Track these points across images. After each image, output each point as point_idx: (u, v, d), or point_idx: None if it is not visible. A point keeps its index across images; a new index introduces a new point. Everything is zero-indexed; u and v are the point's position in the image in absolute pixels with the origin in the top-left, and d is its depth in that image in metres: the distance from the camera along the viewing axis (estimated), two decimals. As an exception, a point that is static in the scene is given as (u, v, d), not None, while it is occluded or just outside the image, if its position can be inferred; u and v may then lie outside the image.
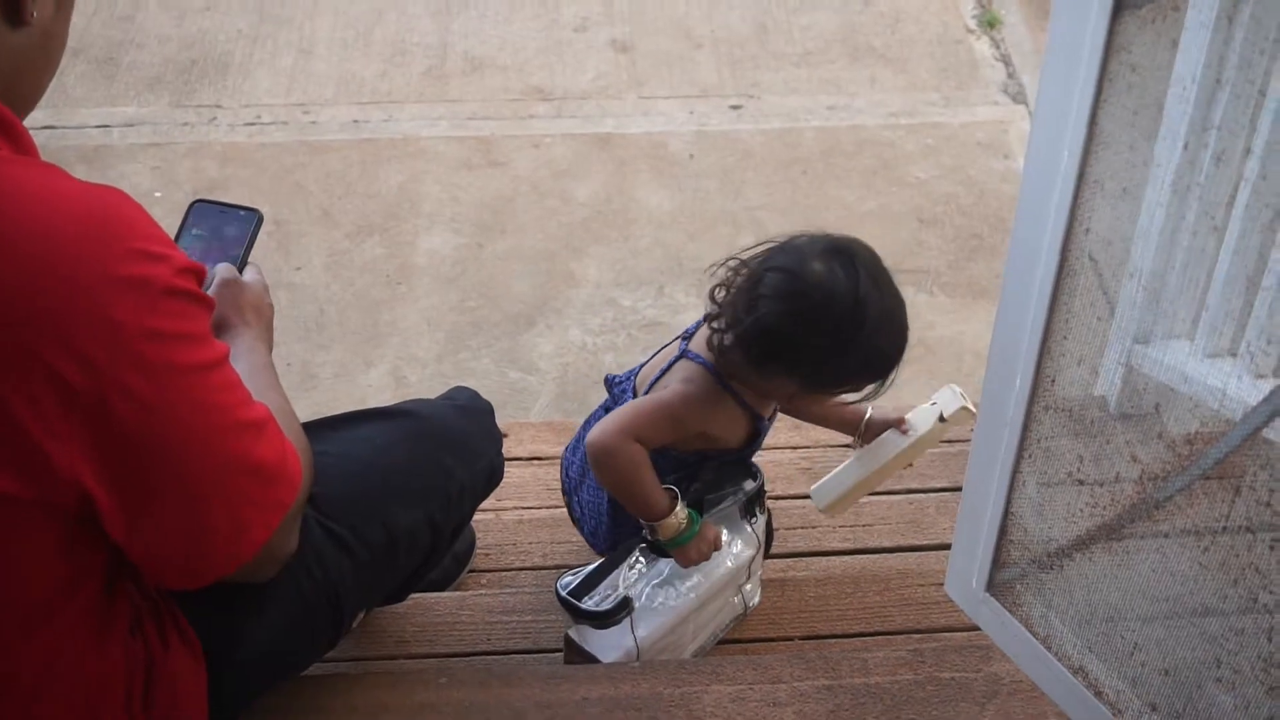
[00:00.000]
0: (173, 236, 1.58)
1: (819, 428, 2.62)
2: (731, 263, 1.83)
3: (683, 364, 1.91)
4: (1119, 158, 1.19)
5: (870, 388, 1.84)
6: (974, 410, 2.00)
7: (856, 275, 1.75)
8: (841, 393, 1.86)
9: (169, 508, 1.23)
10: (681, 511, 1.88)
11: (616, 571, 1.92)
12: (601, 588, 1.90)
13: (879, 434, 2.06)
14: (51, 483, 1.16)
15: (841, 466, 2.10)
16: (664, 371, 1.94)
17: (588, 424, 2.11)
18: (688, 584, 1.95)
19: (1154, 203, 1.29)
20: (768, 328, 1.74)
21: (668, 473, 1.92)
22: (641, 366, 2.03)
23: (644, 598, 1.91)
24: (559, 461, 2.60)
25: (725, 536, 1.97)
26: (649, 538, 1.91)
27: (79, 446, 1.15)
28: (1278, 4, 1.19)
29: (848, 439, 2.63)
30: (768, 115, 4.42)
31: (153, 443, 1.19)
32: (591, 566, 1.92)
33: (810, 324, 1.73)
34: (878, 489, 2.21)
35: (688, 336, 1.96)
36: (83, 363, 1.13)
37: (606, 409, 2.04)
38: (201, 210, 1.68)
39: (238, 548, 1.29)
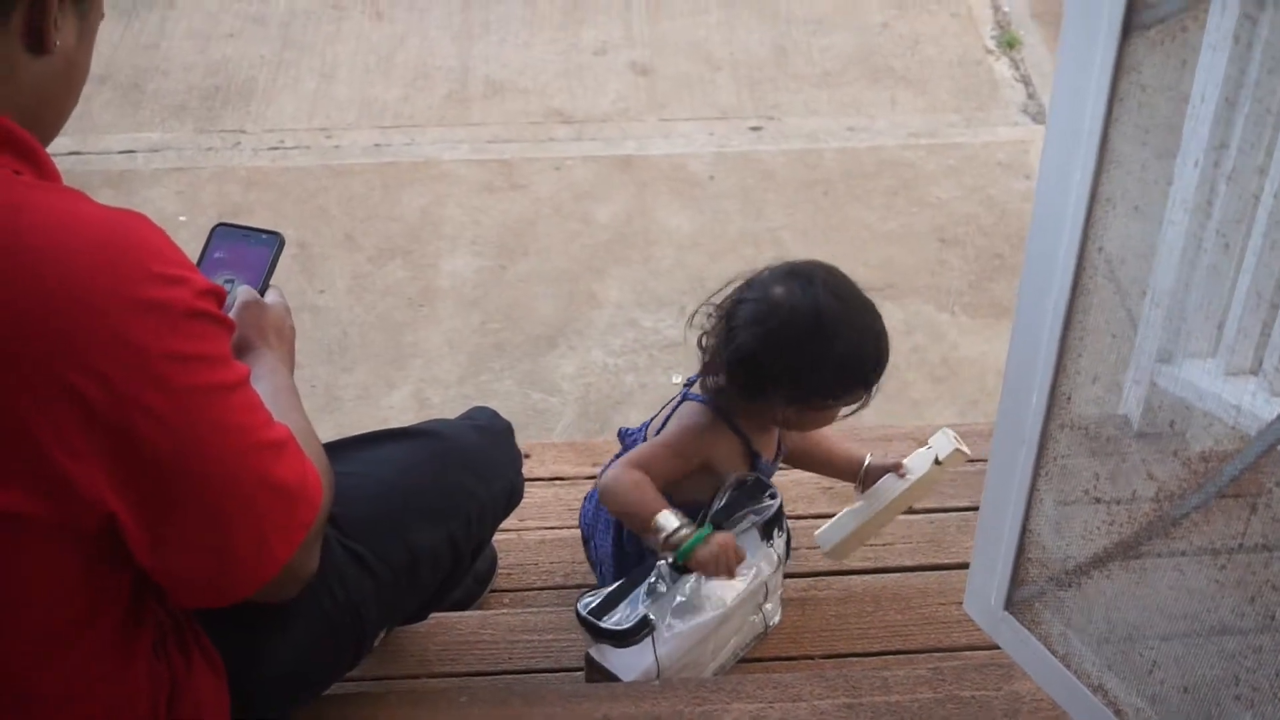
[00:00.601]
0: (195, 260, 1.60)
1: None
2: (707, 309, 1.97)
3: (684, 405, 2.04)
4: (1131, 176, 1.20)
5: (861, 399, 1.95)
6: (967, 452, 2.09)
7: (814, 291, 1.89)
8: (831, 406, 1.95)
9: (191, 528, 1.25)
10: (676, 517, 1.90)
11: (637, 591, 1.92)
12: (622, 607, 1.90)
13: (877, 480, 2.13)
14: (74, 504, 1.18)
15: (844, 511, 2.16)
16: (668, 416, 2.05)
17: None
18: (708, 601, 1.95)
19: (1168, 221, 1.30)
20: (745, 355, 1.89)
21: None
22: (652, 419, 2.12)
23: (665, 616, 1.91)
24: (580, 482, 2.61)
25: (746, 550, 1.97)
26: (662, 556, 1.92)
27: (101, 468, 1.17)
28: (1289, 23, 1.20)
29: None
30: (788, 136, 4.43)
31: (174, 463, 1.20)
32: (612, 586, 1.93)
33: (780, 342, 1.88)
34: (882, 530, 2.23)
35: (689, 384, 2.07)
36: (104, 385, 1.14)
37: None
38: (224, 233, 1.69)
39: (260, 568, 1.30)
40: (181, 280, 1.20)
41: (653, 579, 1.93)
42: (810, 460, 2.23)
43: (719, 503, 1.97)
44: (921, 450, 2.12)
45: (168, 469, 1.20)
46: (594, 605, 1.89)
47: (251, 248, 1.68)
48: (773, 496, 2.01)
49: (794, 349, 1.88)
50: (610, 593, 1.92)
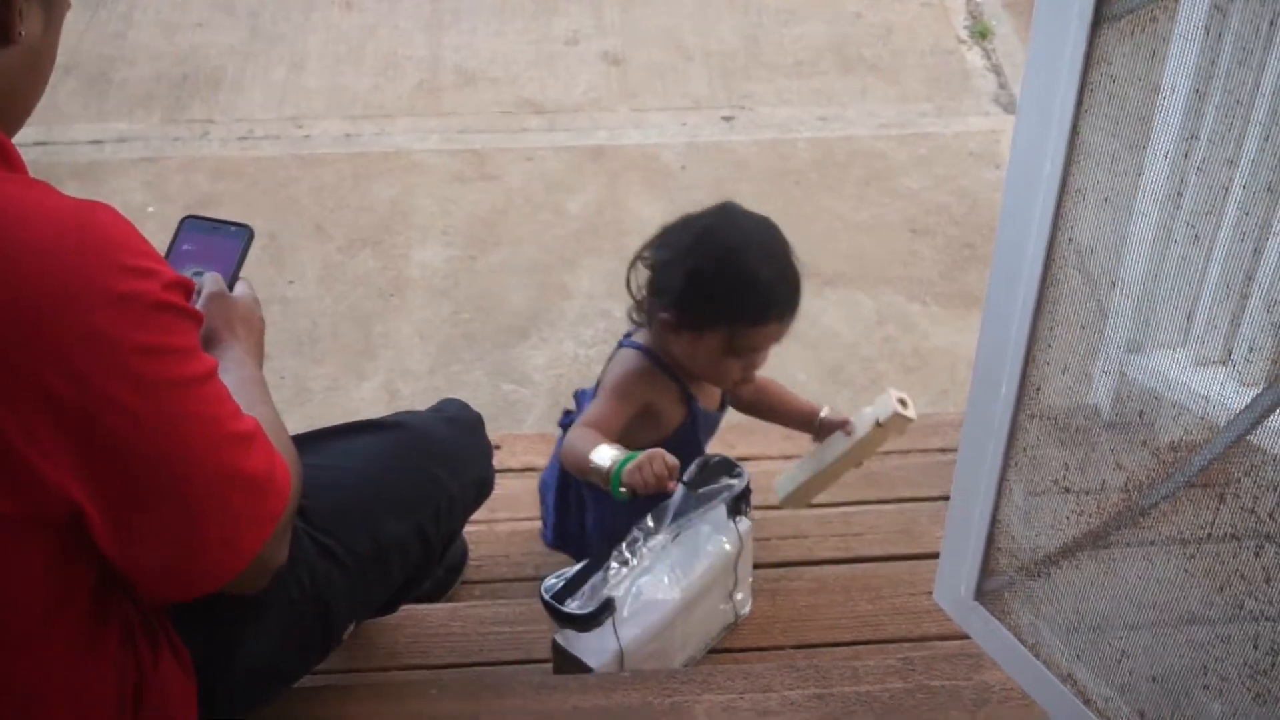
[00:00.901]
0: (163, 253, 1.59)
1: (810, 437, 2.64)
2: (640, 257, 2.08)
3: (620, 353, 2.12)
4: (1101, 167, 1.20)
5: (775, 320, 2.00)
6: (910, 417, 2.09)
7: (706, 217, 2.03)
8: (749, 333, 1.99)
9: (159, 521, 1.24)
10: (610, 449, 1.93)
11: (601, 573, 1.92)
12: (585, 589, 1.90)
13: (829, 434, 2.19)
14: (40, 498, 1.17)
15: (797, 462, 2.23)
16: (606, 365, 2.15)
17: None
18: (673, 580, 1.95)
19: (1137, 212, 1.30)
20: (659, 285, 2.02)
21: None
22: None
23: (628, 597, 1.91)
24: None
25: (711, 525, 1.98)
26: (605, 488, 1.93)
27: (68, 461, 1.16)
28: (1258, 16, 1.20)
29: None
30: (760, 126, 4.43)
31: (142, 456, 1.19)
32: (576, 568, 1.92)
33: (680, 265, 1.98)
34: (835, 487, 2.28)
35: (627, 335, 2.17)
36: (72, 378, 1.13)
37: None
38: (192, 226, 1.68)
39: (228, 560, 1.29)
40: (150, 272, 1.20)
41: (618, 556, 1.93)
42: (765, 407, 2.28)
43: (691, 476, 1.99)
44: (867, 409, 2.15)
45: (135, 462, 1.19)
46: (557, 588, 1.89)
47: (220, 240, 1.67)
48: (739, 475, 2.03)
49: (691, 272, 1.97)
50: (574, 575, 1.91)
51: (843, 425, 2.16)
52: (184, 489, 1.23)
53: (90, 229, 1.17)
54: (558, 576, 1.91)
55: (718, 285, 1.97)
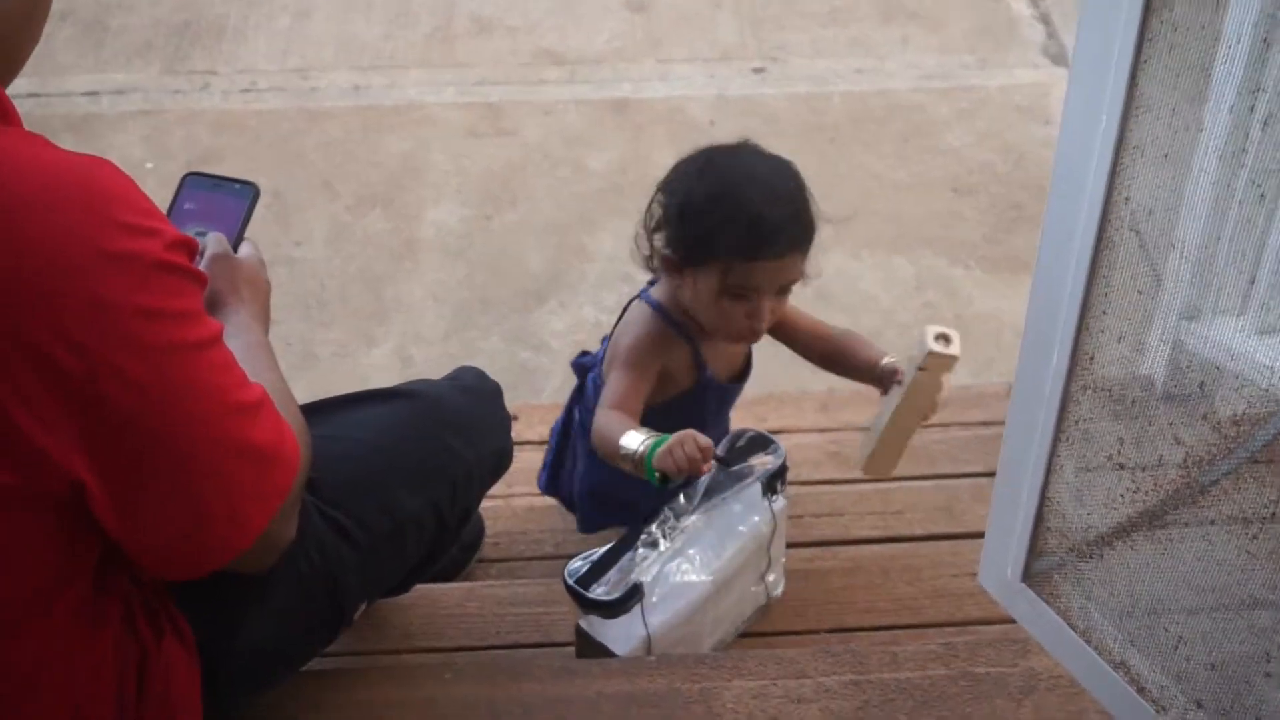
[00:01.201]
0: (164, 210, 1.59)
1: (846, 410, 2.64)
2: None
3: (634, 305, 2.12)
4: (1160, 122, 1.19)
5: (778, 257, 1.95)
6: (949, 354, 1.98)
7: (715, 149, 2.03)
8: (750, 272, 1.94)
9: (162, 494, 1.24)
10: (639, 434, 1.92)
11: (628, 555, 1.92)
12: (612, 574, 1.90)
13: (889, 386, 2.11)
14: (41, 470, 1.17)
15: (869, 422, 2.14)
16: (620, 316, 2.14)
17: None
18: (704, 562, 1.95)
19: (1199, 170, 1.29)
20: (661, 221, 2.03)
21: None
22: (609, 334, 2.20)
23: (657, 581, 1.91)
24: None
25: (742, 503, 1.97)
26: (639, 474, 1.93)
27: (69, 431, 1.16)
28: (1331, -42, 1.19)
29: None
30: (793, 79, 4.41)
31: (144, 426, 1.19)
32: (601, 551, 1.92)
33: (678, 197, 1.99)
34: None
35: (648, 285, 2.15)
36: (71, 345, 1.13)
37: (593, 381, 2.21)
38: (194, 183, 1.68)
39: (235, 536, 1.30)
40: (152, 231, 1.19)
41: (646, 538, 1.93)
42: (826, 356, 2.19)
43: (724, 452, 1.99)
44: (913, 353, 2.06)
45: (137, 433, 1.19)
46: (582, 573, 1.89)
47: (224, 198, 1.67)
48: (775, 451, 2.03)
49: (689, 202, 1.97)
50: (599, 558, 1.91)
51: (895, 375, 2.09)
52: (188, 461, 1.23)
53: (88, 185, 1.17)
54: (583, 559, 1.91)
55: (710, 215, 1.95)
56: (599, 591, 1.87)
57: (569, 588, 1.88)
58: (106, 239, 1.15)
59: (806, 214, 1.97)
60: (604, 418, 2.00)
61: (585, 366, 2.24)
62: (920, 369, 1.98)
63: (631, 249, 2.09)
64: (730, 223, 1.93)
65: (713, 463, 1.93)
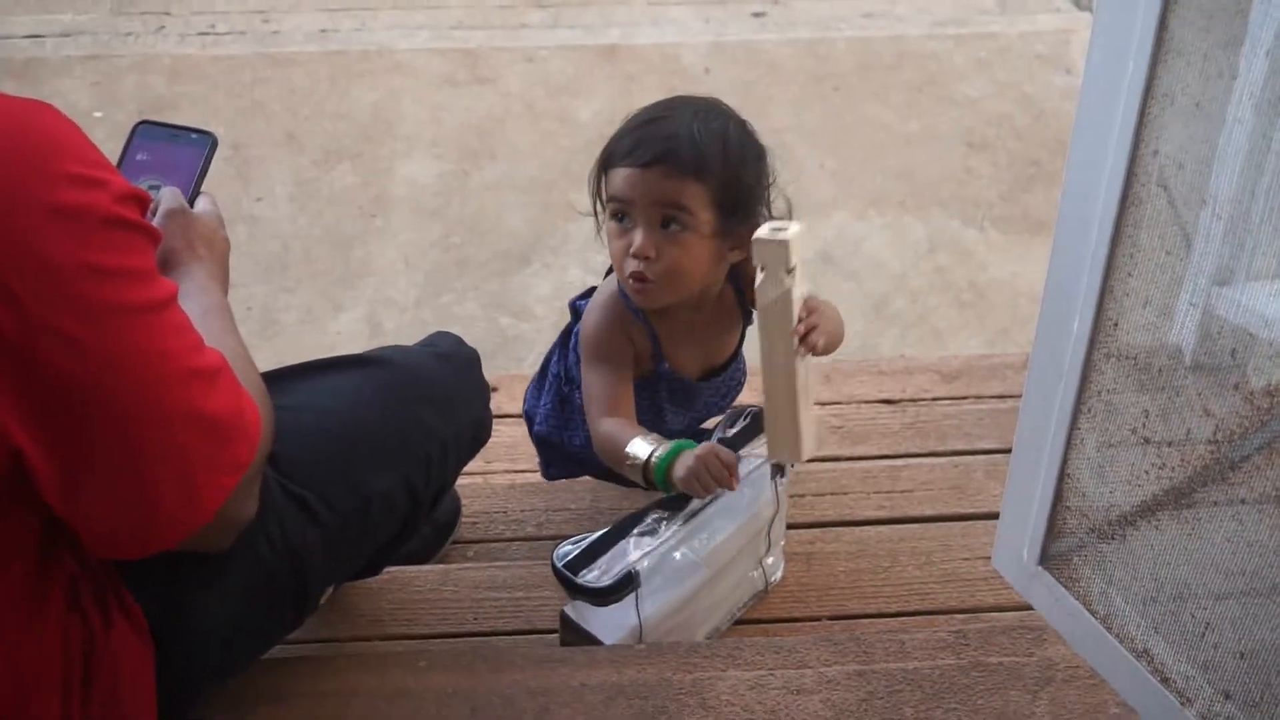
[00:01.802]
0: (114, 161, 1.58)
1: (850, 382, 2.64)
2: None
3: (603, 284, 2.12)
4: (1192, 68, 1.18)
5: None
6: (771, 239, 1.73)
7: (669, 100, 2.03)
8: (613, 179, 1.94)
9: (109, 467, 1.24)
10: (645, 443, 1.91)
11: (624, 541, 1.92)
12: (605, 560, 1.90)
13: None
14: None
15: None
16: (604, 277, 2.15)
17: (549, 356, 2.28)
18: (701, 546, 1.95)
19: (1233, 120, 1.29)
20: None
21: None
22: None
23: (651, 568, 1.91)
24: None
25: (741, 467, 1.95)
26: (637, 475, 1.93)
27: (7, 398, 1.16)
28: (1377, -109, 1.18)
29: (885, 394, 2.66)
30: (795, 23, 4.40)
31: (89, 393, 1.19)
32: (595, 536, 1.93)
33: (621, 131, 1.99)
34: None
35: None
36: (11, 303, 1.13)
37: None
38: (147, 132, 1.68)
39: (187, 513, 1.30)
40: (99, 182, 1.19)
41: (641, 526, 1.94)
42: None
43: (723, 433, 1.98)
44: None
45: (81, 399, 1.19)
46: (572, 556, 1.89)
47: (179, 149, 1.67)
48: None
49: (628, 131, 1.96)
50: (592, 542, 1.91)
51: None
52: (136, 430, 1.23)
53: (28, 132, 1.17)
54: (573, 543, 1.91)
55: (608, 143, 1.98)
56: (589, 577, 1.88)
57: (557, 572, 1.89)
58: (49, 190, 1.15)
59: (709, 143, 1.91)
60: (605, 427, 1.99)
61: (578, 312, 2.22)
62: (759, 269, 1.76)
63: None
64: (615, 136, 1.97)
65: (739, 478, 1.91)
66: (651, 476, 1.90)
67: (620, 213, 1.94)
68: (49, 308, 1.15)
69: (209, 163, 1.67)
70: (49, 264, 1.15)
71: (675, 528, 1.94)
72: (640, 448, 1.91)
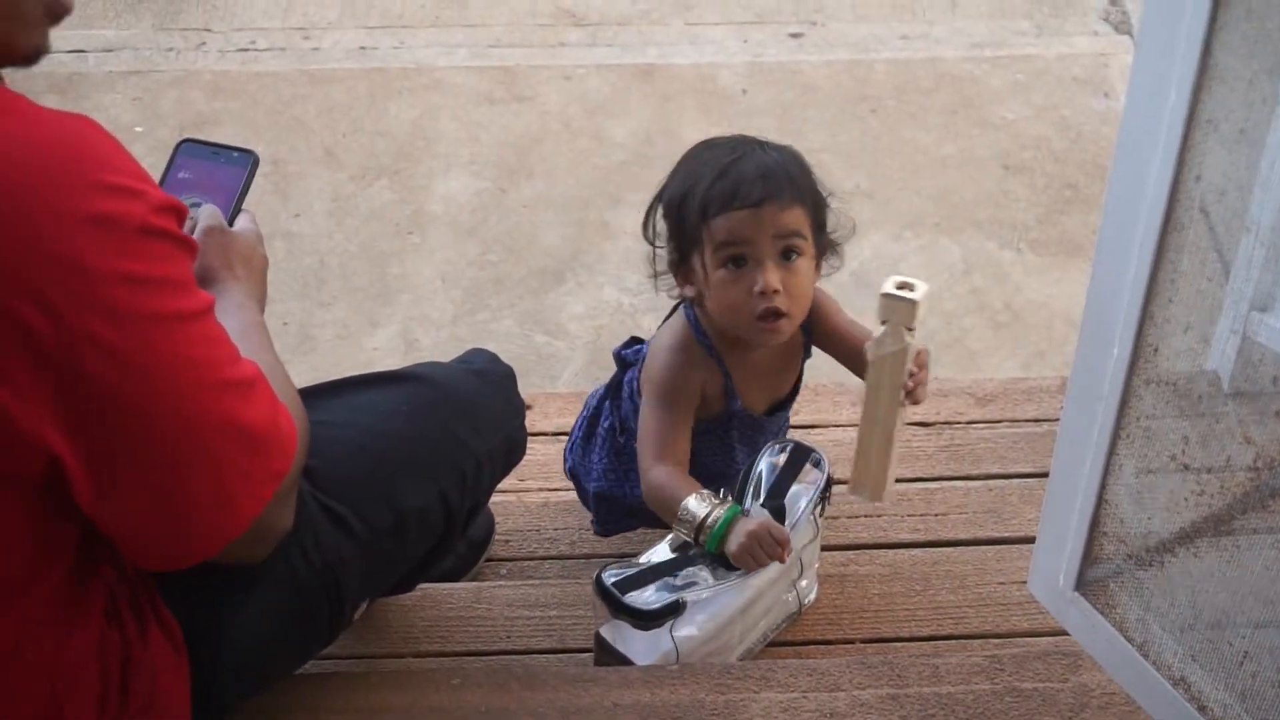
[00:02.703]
0: (157, 180, 1.59)
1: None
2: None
3: (677, 314, 2.12)
4: (1235, 94, 1.18)
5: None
6: (902, 296, 1.81)
7: (710, 141, 2.06)
8: (727, 227, 1.93)
9: (145, 475, 1.25)
10: (700, 503, 1.93)
11: (673, 577, 1.93)
12: (653, 589, 1.91)
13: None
14: (15, 447, 1.18)
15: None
16: (664, 320, 2.16)
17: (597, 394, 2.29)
18: (738, 576, 1.95)
19: (1275, 147, 1.29)
20: (660, 225, 2.05)
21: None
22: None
23: (696, 602, 1.92)
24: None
25: (793, 539, 1.97)
26: (689, 537, 1.96)
27: (45, 405, 1.17)
28: None
29: (919, 416, 2.65)
30: (833, 45, 4.40)
31: (126, 401, 1.20)
32: (643, 564, 1.94)
33: (665, 194, 2.03)
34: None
35: None
36: (49, 311, 1.14)
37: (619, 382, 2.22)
38: (190, 150, 1.70)
39: (224, 523, 1.30)
40: (136, 193, 1.20)
41: (693, 569, 1.94)
42: (824, 337, 2.13)
43: (760, 480, 1.99)
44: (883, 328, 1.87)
45: (116, 406, 1.20)
46: (621, 579, 1.90)
47: (221, 167, 1.68)
48: (818, 464, 2.02)
49: (686, 179, 1.99)
50: (642, 570, 1.93)
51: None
52: (172, 439, 1.24)
53: (69, 143, 1.18)
54: (621, 567, 1.92)
55: (689, 190, 1.98)
56: (640, 601, 1.89)
57: (604, 590, 1.89)
58: (87, 200, 1.16)
59: (791, 167, 1.96)
60: (657, 476, 2.00)
61: (626, 361, 2.22)
62: (881, 323, 1.85)
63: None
64: (704, 183, 1.95)
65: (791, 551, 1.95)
66: (704, 541, 1.93)
67: (737, 256, 1.93)
68: (86, 315, 1.16)
69: (250, 181, 1.68)
70: (86, 272, 1.16)
71: (722, 573, 1.95)
72: (695, 506, 1.93)
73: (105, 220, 1.17)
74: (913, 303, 1.81)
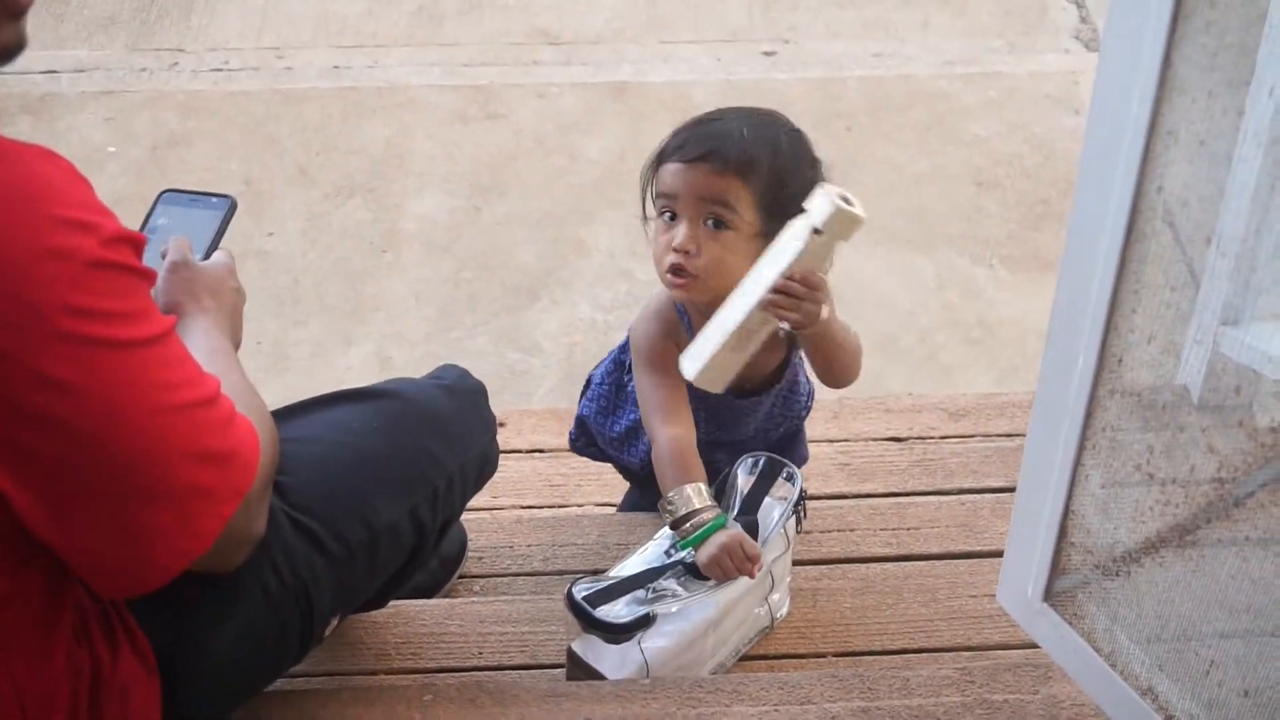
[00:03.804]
0: (137, 228, 1.61)
1: (859, 420, 2.64)
2: None
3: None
4: (1196, 106, 1.19)
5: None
6: (858, 212, 1.77)
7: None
8: (663, 175, 1.94)
9: (103, 506, 1.25)
10: (695, 496, 1.94)
11: (645, 590, 1.94)
12: (624, 602, 1.92)
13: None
14: None
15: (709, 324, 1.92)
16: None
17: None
18: (708, 592, 1.95)
19: (1238, 159, 1.29)
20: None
21: None
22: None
23: (665, 615, 1.92)
24: (562, 455, 2.61)
25: (765, 554, 1.98)
26: (668, 521, 1.96)
27: None
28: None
29: (892, 431, 2.65)
30: (806, 63, 4.42)
31: (75, 434, 1.20)
32: (614, 578, 1.94)
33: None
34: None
35: None
36: None
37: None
38: (170, 199, 1.74)
39: (186, 544, 1.30)
40: (88, 226, 1.20)
41: (664, 582, 1.95)
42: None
43: (736, 491, 2.01)
44: (797, 220, 1.83)
45: (70, 439, 1.20)
46: (591, 593, 1.90)
47: (199, 212, 1.72)
48: (791, 478, 2.03)
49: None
50: (613, 584, 1.93)
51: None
52: (127, 466, 1.24)
53: (23, 176, 1.18)
54: (592, 581, 1.93)
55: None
56: (607, 612, 1.89)
57: (574, 604, 1.89)
58: (39, 235, 1.16)
59: (758, 144, 1.92)
60: (666, 445, 2.00)
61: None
62: (816, 231, 1.77)
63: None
64: (672, 132, 1.98)
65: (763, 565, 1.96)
66: (681, 537, 1.94)
67: (667, 209, 1.94)
68: (35, 354, 1.16)
69: (227, 224, 1.72)
70: (35, 309, 1.16)
71: (694, 585, 1.95)
72: (684, 501, 1.95)
73: (55, 254, 1.17)
74: (857, 219, 1.77)
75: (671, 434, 2.00)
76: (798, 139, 1.99)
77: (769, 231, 1.90)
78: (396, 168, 4.02)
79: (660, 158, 1.96)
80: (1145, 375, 1.35)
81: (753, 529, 1.98)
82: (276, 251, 3.75)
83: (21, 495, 1.20)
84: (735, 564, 1.91)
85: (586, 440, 2.34)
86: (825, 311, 1.86)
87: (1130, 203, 1.25)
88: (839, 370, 2.06)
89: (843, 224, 1.77)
